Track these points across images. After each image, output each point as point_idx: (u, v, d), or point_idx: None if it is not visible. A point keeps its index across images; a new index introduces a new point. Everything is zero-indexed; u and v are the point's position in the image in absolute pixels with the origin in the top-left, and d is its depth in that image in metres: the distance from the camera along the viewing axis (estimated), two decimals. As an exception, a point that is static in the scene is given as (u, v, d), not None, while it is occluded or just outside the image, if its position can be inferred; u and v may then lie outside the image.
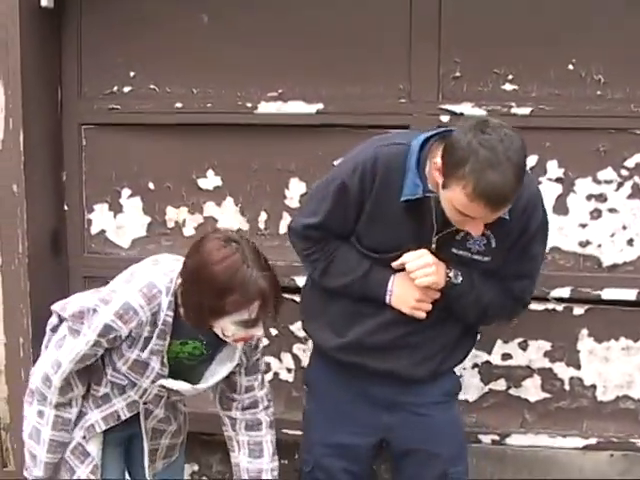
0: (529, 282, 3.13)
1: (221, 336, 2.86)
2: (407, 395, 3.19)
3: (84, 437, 3.04)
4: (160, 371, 2.93)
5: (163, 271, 2.90)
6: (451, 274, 3.00)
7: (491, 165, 2.64)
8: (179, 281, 2.85)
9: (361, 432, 3.25)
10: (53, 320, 3.07)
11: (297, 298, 3.93)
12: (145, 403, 3.03)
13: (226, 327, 2.81)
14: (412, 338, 3.11)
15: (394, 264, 3.02)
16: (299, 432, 3.98)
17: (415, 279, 2.97)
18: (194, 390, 3.02)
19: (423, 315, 3.05)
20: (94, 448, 3.05)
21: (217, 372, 3.04)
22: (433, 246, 2.98)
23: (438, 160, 2.78)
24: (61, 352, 2.92)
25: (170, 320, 2.86)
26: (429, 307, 3.05)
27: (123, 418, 3.04)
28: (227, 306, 2.74)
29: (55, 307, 3.05)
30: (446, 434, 3.25)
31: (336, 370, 3.24)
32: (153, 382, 2.94)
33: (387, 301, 3.07)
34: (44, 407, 2.98)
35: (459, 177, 2.68)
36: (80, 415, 3.04)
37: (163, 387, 2.97)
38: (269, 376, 4.12)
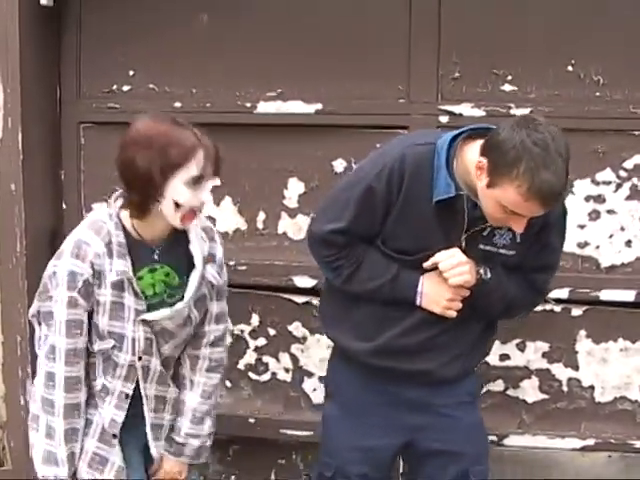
0: (551, 273, 3.15)
1: (170, 216, 2.88)
2: (435, 396, 3.17)
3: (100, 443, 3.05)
4: (137, 306, 2.95)
5: (100, 209, 3.05)
6: (481, 271, 2.99)
7: (545, 164, 2.64)
8: (118, 203, 2.95)
9: (388, 434, 3.21)
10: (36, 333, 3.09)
11: (295, 298, 3.96)
12: (140, 358, 3.00)
13: (176, 191, 2.83)
14: (440, 338, 3.08)
15: (426, 264, 2.98)
16: (298, 432, 4.02)
17: (449, 278, 2.95)
18: (174, 312, 3.00)
19: (454, 314, 3.03)
20: (116, 454, 3.06)
21: (190, 286, 3.06)
22: (463, 244, 2.96)
23: (482, 159, 2.76)
24: (49, 338, 2.93)
25: (123, 240, 2.92)
26: (460, 306, 3.03)
27: (130, 392, 3.02)
28: (174, 158, 2.80)
29: (30, 314, 3.08)
30: (472, 435, 3.25)
31: (363, 374, 3.20)
32: (135, 323, 2.94)
33: (418, 302, 3.05)
34: (52, 416, 2.97)
35: (512, 177, 2.67)
36: (87, 424, 3.03)
37: (147, 325, 2.97)
38: (267, 376, 4.12)
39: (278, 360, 4.12)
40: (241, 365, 4.16)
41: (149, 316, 2.96)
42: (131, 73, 4.02)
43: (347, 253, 3.08)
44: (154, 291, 3.00)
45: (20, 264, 4.01)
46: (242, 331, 4.11)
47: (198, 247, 3.05)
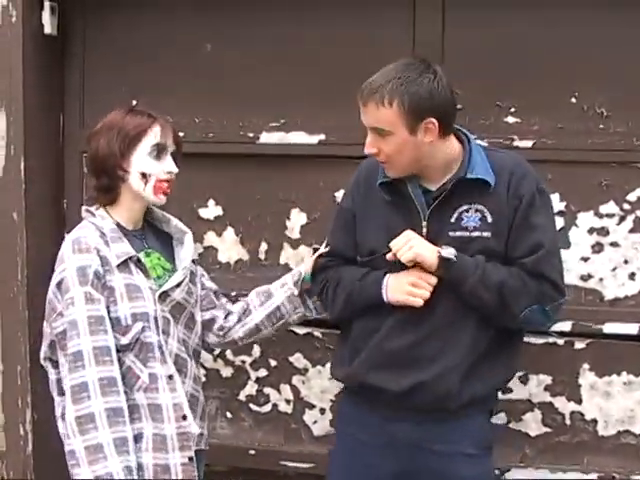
0: (543, 253, 2.95)
1: (142, 191, 3.05)
2: (432, 439, 3.05)
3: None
4: (150, 284, 3.02)
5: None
6: (442, 251, 2.92)
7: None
8: (91, 203, 3.14)
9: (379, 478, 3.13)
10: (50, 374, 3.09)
11: (297, 329, 3.94)
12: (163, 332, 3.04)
13: (140, 163, 3.04)
14: (429, 343, 2.99)
15: (388, 256, 2.97)
16: (298, 464, 4.00)
17: (401, 257, 2.93)
18: (183, 274, 3.14)
19: (421, 302, 2.95)
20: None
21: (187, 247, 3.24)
22: (424, 230, 2.97)
23: None
24: (71, 346, 2.87)
25: (114, 226, 3.05)
26: (427, 294, 2.96)
27: (171, 372, 3.02)
28: (130, 133, 3.03)
29: (42, 358, 3.09)
30: None
31: (355, 402, 3.17)
32: (154, 302, 3.00)
33: (384, 296, 3.01)
34: (94, 432, 2.85)
35: None
36: (138, 438, 2.97)
37: (163, 302, 3.03)
38: (268, 407, 4.10)
39: (279, 391, 4.10)
40: (242, 396, 4.13)
41: (167, 285, 3.06)
42: (134, 103, 4.02)
43: (330, 274, 3.18)
44: (156, 274, 3.09)
45: (21, 293, 4.01)
46: (243, 362, 4.09)
47: (175, 220, 3.28)
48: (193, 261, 3.27)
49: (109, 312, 2.94)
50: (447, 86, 2.89)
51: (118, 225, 3.08)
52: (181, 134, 3.88)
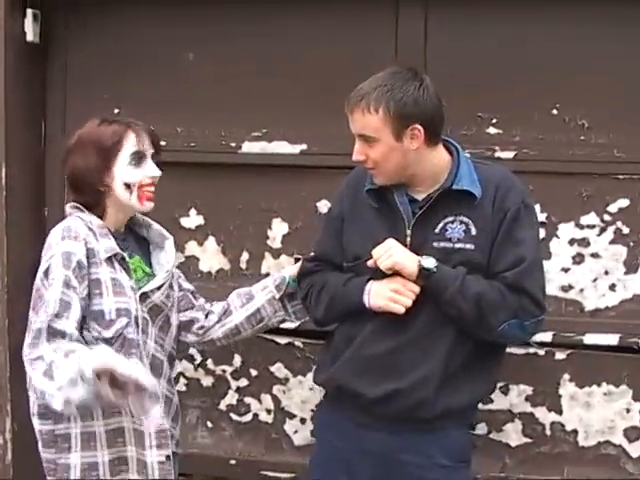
0: (525, 267, 2.91)
1: (127, 201, 3.02)
2: (406, 449, 3.01)
3: None
4: (131, 283, 3.00)
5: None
6: (423, 261, 2.91)
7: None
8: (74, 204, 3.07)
9: None
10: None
11: (278, 339, 3.94)
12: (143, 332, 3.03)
13: (122, 173, 2.99)
14: (407, 350, 2.97)
15: (369, 262, 2.97)
16: (279, 474, 4.00)
17: (381, 264, 2.93)
18: (164, 278, 3.11)
19: (402, 309, 2.93)
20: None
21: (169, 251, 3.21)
22: (408, 239, 2.97)
23: None
24: (39, 322, 2.83)
25: (100, 222, 3.02)
26: (409, 302, 2.93)
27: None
28: (106, 145, 2.98)
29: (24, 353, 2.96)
30: None
31: (333, 408, 3.16)
32: (135, 301, 2.99)
33: (365, 302, 3.00)
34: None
35: None
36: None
37: (143, 303, 3.01)
38: (249, 417, 4.10)
39: (260, 401, 4.09)
40: (222, 405, 4.13)
41: (148, 286, 3.04)
42: (116, 111, 4.01)
43: (315, 279, 3.17)
44: (137, 276, 3.06)
45: (1, 301, 4.01)
46: (224, 371, 4.08)
47: (156, 224, 3.24)
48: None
49: (93, 305, 2.92)
50: (434, 94, 2.91)
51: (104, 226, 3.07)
52: (163, 143, 3.88)
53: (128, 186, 3.01)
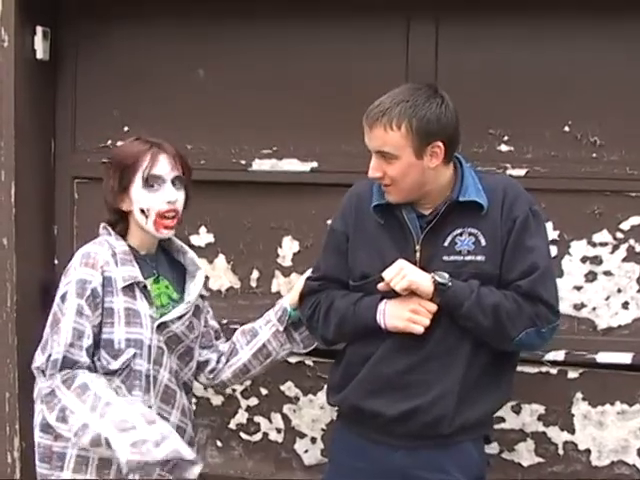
0: (538, 275, 2.91)
1: (145, 225, 3.01)
2: (423, 466, 2.99)
3: None
4: (151, 312, 2.99)
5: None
6: (436, 276, 2.89)
7: (388, 94, 2.90)
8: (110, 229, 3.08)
9: None
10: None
11: (288, 358, 3.90)
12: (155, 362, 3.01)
13: (137, 197, 2.98)
14: (423, 369, 2.96)
15: (379, 286, 2.94)
16: (287, 494, 3.96)
17: (395, 286, 2.89)
18: (186, 308, 3.08)
19: (421, 329, 2.91)
20: None
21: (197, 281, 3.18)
22: (417, 255, 2.95)
23: None
24: (55, 354, 2.86)
25: (126, 248, 3.02)
26: (427, 321, 2.91)
27: (152, 404, 2.99)
28: (123, 168, 2.97)
29: (35, 365, 2.99)
30: None
31: (349, 428, 3.13)
32: (152, 331, 2.97)
33: (380, 322, 2.96)
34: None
35: None
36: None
37: (160, 333, 2.99)
38: (258, 436, 4.07)
39: (270, 420, 4.07)
40: (232, 425, 4.11)
41: (167, 316, 3.02)
42: (126, 129, 4.02)
43: (321, 298, 3.14)
44: (160, 302, 3.05)
45: (10, 319, 3.98)
46: (234, 390, 4.05)
47: (191, 253, 3.21)
48: (202, 297, 3.23)
49: (104, 333, 2.93)
50: (454, 112, 2.90)
51: (131, 248, 3.05)
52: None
53: (143, 211, 3.00)
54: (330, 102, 3.85)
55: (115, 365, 2.94)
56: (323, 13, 3.86)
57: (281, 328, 3.28)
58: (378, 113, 2.86)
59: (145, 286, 2.99)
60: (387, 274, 2.91)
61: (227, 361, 3.29)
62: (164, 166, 3.00)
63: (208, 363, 3.28)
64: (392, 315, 2.96)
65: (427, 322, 2.92)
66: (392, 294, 2.95)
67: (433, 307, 2.92)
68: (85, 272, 2.93)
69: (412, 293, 2.92)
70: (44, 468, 3.01)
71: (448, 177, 2.97)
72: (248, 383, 4.01)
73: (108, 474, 2.96)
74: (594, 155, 3.69)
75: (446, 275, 2.90)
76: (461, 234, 2.94)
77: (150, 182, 2.98)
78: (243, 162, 3.95)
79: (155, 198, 2.98)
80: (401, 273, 2.90)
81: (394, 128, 2.84)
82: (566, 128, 3.71)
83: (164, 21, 4.01)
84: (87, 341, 2.89)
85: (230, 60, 3.97)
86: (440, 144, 2.86)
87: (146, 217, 3.00)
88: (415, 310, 2.93)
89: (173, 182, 3.02)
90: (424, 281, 2.90)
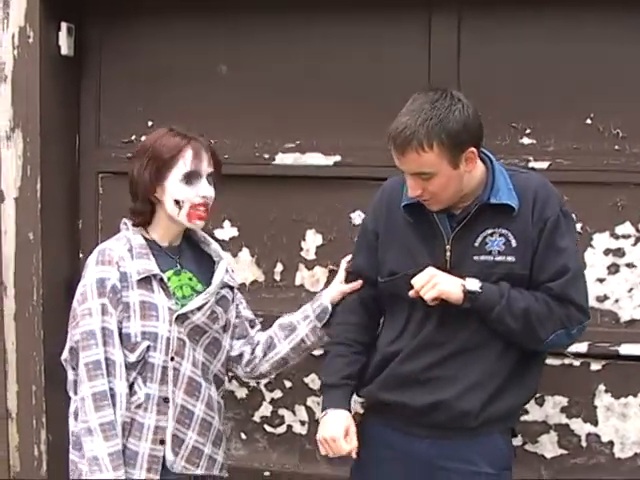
0: (570, 277, 2.91)
1: (176, 216, 3.05)
2: (450, 457, 3.00)
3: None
4: (170, 304, 3.02)
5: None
6: (467, 284, 2.89)
7: (404, 112, 2.82)
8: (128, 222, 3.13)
9: None
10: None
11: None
12: (172, 359, 3.02)
13: (173, 189, 3.02)
14: (448, 364, 2.97)
15: (410, 293, 2.93)
16: (312, 486, 3.97)
17: (424, 295, 2.89)
18: (206, 298, 3.08)
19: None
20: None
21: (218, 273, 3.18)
22: (447, 254, 2.94)
23: None
24: (89, 355, 2.93)
25: (143, 242, 3.07)
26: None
27: (168, 395, 3.02)
28: (162, 159, 3.00)
29: (63, 358, 3.09)
30: None
31: (375, 419, 3.15)
32: (170, 323, 3.00)
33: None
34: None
35: None
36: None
37: (180, 324, 3.02)
38: (283, 429, 4.10)
39: (294, 412, 4.09)
40: (257, 417, 4.14)
41: (186, 307, 3.03)
42: (150, 124, 4.04)
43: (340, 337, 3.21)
44: (182, 293, 3.08)
45: (36, 313, 4.02)
46: (258, 383, 4.08)
47: (214, 244, 3.23)
48: (231, 288, 3.24)
49: (122, 327, 2.98)
50: (475, 111, 2.86)
51: (153, 241, 3.09)
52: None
53: (178, 202, 3.03)
54: (353, 96, 3.86)
55: (132, 358, 2.98)
56: (346, 9, 3.87)
57: (319, 325, 3.28)
58: (405, 137, 2.78)
59: (162, 279, 3.02)
60: (417, 282, 2.90)
61: (264, 355, 3.29)
62: (202, 162, 3.05)
63: (242, 356, 3.29)
64: (321, 428, 3.14)
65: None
66: (423, 304, 2.94)
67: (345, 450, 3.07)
68: (102, 270, 2.98)
69: (443, 301, 2.92)
70: (74, 455, 3.05)
71: (479, 176, 2.96)
72: (272, 376, 4.02)
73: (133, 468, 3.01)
74: (616, 147, 3.68)
75: (477, 282, 2.90)
76: (492, 234, 2.93)
77: (189, 177, 3.02)
78: (266, 156, 3.97)
79: (191, 191, 3.03)
80: (432, 281, 2.89)
81: (426, 149, 2.78)
82: (588, 120, 3.70)
83: (188, 17, 4.03)
84: (117, 338, 2.95)
85: (252, 56, 3.99)
86: (472, 148, 2.84)
87: (179, 208, 3.03)
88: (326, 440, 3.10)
89: (207, 178, 3.07)
90: (454, 290, 2.89)
